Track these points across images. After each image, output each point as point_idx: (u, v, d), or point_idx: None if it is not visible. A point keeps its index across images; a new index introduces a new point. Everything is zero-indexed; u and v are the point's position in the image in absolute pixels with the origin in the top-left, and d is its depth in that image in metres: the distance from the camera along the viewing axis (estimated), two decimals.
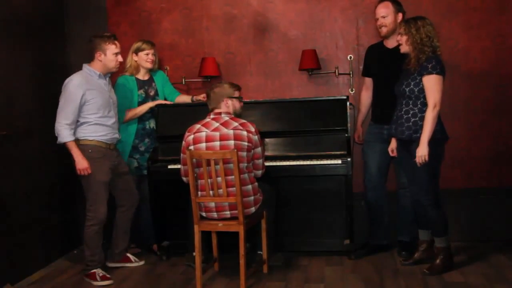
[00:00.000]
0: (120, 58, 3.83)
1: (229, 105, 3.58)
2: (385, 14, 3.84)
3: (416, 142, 3.45)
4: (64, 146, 3.66)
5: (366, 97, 4.18)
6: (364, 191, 4.08)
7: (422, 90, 3.45)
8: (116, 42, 3.80)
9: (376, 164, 3.98)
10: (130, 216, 4.03)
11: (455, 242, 3.98)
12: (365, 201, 4.11)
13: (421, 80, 3.44)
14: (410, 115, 3.49)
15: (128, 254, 4.10)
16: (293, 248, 4.11)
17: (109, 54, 3.76)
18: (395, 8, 3.85)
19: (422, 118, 3.44)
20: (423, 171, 3.47)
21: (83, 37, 4.16)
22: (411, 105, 3.50)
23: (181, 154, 3.59)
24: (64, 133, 3.63)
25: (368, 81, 4.14)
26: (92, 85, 3.72)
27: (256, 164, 3.59)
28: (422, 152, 3.40)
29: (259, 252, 3.74)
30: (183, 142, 3.57)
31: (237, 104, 3.63)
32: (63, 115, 3.64)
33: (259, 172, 3.64)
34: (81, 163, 3.65)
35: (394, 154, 3.75)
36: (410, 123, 3.48)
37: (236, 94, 3.63)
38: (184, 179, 3.63)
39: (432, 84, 3.41)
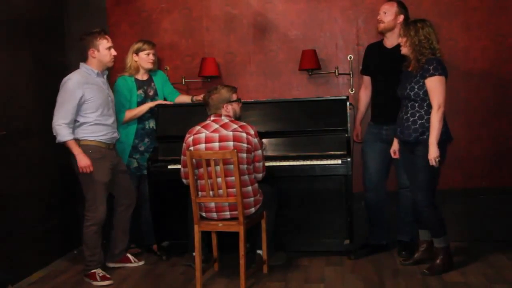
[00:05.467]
0: (113, 52, 3.79)
1: (229, 110, 3.58)
2: (387, 11, 3.86)
3: (421, 143, 3.45)
4: (63, 145, 3.65)
5: (365, 95, 4.18)
6: (364, 191, 4.08)
7: (426, 93, 3.45)
8: (106, 36, 3.77)
9: (376, 164, 3.98)
10: (128, 216, 4.02)
11: (455, 242, 3.98)
12: (364, 201, 4.10)
13: (424, 83, 3.44)
14: (416, 117, 3.49)
15: (128, 254, 4.09)
16: (293, 248, 4.10)
17: (102, 49, 3.74)
18: (398, 9, 3.87)
19: (428, 120, 3.44)
20: (425, 172, 3.47)
21: None
22: (417, 108, 3.50)
23: (181, 156, 3.59)
24: (63, 132, 3.61)
25: (367, 79, 4.14)
26: (90, 84, 3.70)
27: (257, 167, 3.58)
28: (434, 154, 3.39)
29: (258, 252, 3.74)
30: (184, 144, 3.57)
31: (236, 107, 3.63)
32: (61, 114, 3.61)
33: (260, 175, 3.63)
34: (83, 160, 3.63)
35: (397, 156, 3.75)
36: (417, 125, 3.48)
37: (234, 97, 3.61)
38: (184, 181, 3.63)
39: (435, 86, 3.40)
